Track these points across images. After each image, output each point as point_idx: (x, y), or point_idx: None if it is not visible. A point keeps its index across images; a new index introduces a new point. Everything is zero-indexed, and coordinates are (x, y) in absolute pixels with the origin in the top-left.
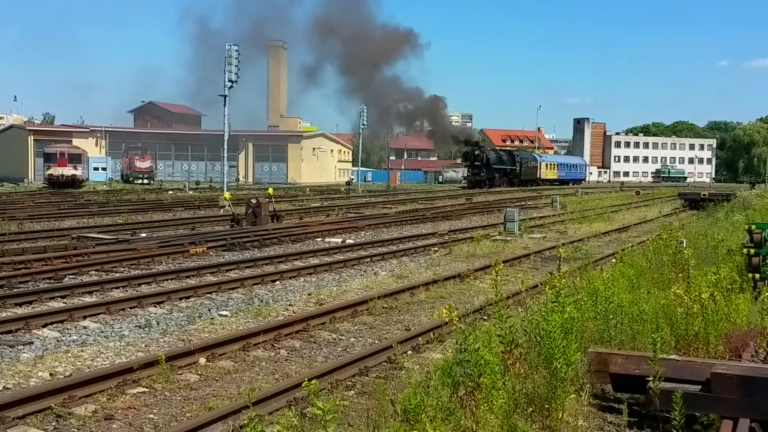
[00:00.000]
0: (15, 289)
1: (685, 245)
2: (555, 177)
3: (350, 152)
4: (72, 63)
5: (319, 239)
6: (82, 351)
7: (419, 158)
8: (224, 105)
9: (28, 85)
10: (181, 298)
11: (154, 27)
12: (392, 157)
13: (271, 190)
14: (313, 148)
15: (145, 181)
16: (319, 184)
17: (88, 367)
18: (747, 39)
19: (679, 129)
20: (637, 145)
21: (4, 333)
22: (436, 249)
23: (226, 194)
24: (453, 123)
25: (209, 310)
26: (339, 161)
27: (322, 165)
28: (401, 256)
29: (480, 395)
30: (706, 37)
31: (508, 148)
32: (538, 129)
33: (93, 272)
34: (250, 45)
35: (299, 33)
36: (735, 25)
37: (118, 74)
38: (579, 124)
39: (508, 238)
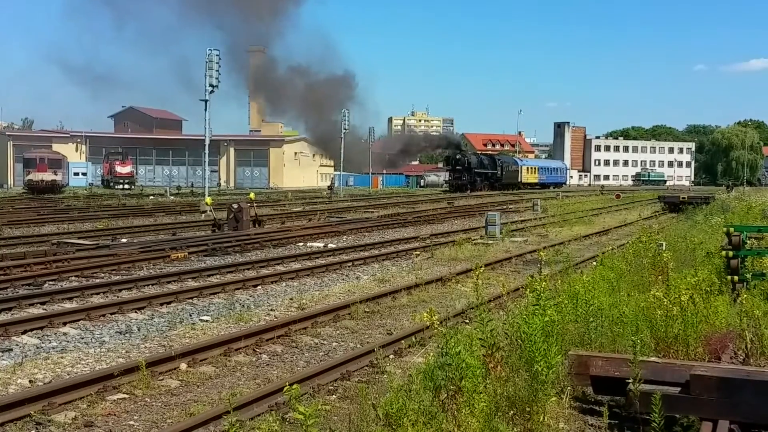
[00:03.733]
0: None
1: (664, 248)
2: (536, 181)
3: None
4: None
5: (301, 244)
6: (62, 357)
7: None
8: (205, 109)
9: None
10: (162, 304)
11: None
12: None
13: (252, 195)
14: (295, 153)
15: (126, 186)
16: (301, 188)
17: (68, 374)
18: (721, 44)
19: (659, 133)
20: (617, 149)
21: None
22: (418, 253)
23: (208, 199)
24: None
25: (190, 316)
26: (321, 166)
27: (303, 170)
28: (383, 260)
29: (461, 399)
30: (681, 42)
31: (490, 152)
32: (519, 133)
33: (73, 278)
34: None
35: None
36: (709, 29)
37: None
38: (559, 128)
39: (490, 242)
